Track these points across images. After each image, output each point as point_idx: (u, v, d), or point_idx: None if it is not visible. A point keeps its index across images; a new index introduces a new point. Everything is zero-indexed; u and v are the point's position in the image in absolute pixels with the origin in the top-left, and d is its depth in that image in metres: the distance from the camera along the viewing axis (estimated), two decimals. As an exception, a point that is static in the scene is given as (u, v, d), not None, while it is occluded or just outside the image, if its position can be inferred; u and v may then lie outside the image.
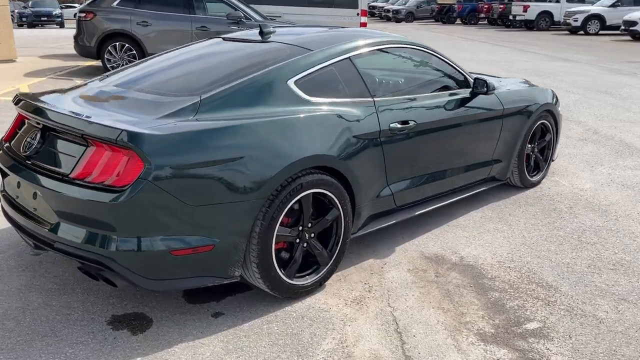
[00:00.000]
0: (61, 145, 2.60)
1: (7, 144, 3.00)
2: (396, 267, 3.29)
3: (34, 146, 2.69)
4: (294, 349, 2.50)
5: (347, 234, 3.07)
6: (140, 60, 3.61)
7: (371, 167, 3.15)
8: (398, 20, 38.50)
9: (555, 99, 4.72)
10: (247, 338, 2.57)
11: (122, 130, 2.35)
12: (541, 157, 4.72)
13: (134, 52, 9.86)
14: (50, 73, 10.29)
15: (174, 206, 2.40)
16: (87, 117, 2.54)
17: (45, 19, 28.96)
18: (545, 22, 27.33)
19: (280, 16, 12.15)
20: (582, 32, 24.06)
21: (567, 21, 24.57)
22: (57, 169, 2.55)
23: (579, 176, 5.03)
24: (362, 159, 3.07)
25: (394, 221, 3.42)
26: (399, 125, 3.27)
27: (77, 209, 2.44)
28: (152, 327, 2.63)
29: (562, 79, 10.94)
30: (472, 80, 3.91)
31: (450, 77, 3.90)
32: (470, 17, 35.74)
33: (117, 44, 9.83)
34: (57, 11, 29.46)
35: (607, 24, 23.45)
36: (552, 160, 4.89)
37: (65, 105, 2.79)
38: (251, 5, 10.86)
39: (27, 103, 2.83)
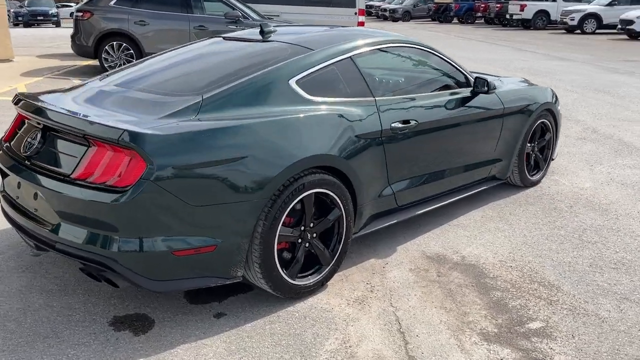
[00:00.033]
0: (62, 145, 2.58)
1: (6, 144, 2.98)
2: (398, 267, 3.28)
3: (34, 146, 2.68)
4: (297, 350, 2.50)
5: (349, 233, 3.07)
6: (140, 60, 3.59)
7: (373, 166, 3.15)
8: (395, 20, 38.49)
9: (554, 98, 4.72)
10: (249, 339, 2.56)
11: (124, 130, 2.33)
12: (541, 156, 4.73)
13: (132, 51, 9.83)
14: (47, 73, 10.26)
15: (176, 206, 2.39)
16: (88, 117, 2.53)
17: (42, 18, 28.86)
18: (542, 21, 27.38)
19: (278, 15, 12.14)
20: (578, 31, 24.12)
21: (564, 20, 24.62)
22: (58, 169, 2.53)
23: (579, 175, 5.03)
24: (364, 159, 3.06)
25: (395, 221, 3.41)
26: (400, 125, 3.26)
27: (78, 209, 2.42)
28: (154, 327, 2.62)
29: (559, 77, 10.96)
30: (473, 80, 3.91)
31: (451, 76, 3.89)
32: (467, 16, 35.76)
33: (115, 43, 9.81)
34: (54, 10, 29.36)
35: (604, 23, 23.50)
36: (552, 159, 4.90)
37: (66, 105, 2.77)
38: (249, 5, 10.84)
39: (28, 103, 2.82)
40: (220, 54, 3.34)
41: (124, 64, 9.80)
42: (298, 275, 2.86)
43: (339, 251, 3.02)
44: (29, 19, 28.58)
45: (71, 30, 10.28)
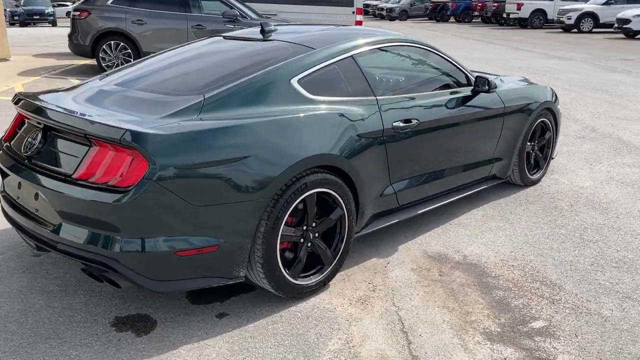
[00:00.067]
0: (63, 145, 2.57)
1: (6, 144, 2.96)
2: (399, 266, 3.28)
3: (35, 146, 2.66)
4: (300, 350, 2.49)
5: (351, 233, 3.06)
6: (140, 59, 3.58)
7: (374, 166, 3.14)
8: (392, 19, 38.50)
9: (554, 97, 4.73)
10: (252, 339, 2.55)
11: (126, 130, 2.32)
12: (541, 155, 4.73)
13: (129, 50, 9.80)
14: (44, 72, 10.22)
15: (179, 206, 2.38)
16: (89, 116, 2.51)
17: (38, 17, 28.76)
18: (538, 20, 27.42)
19: (275, 14, 12.13)
20: (575, 30, 24.16)
21: (561, 19, 24.66)
22: (59, 169, 2.52)
23: (578, 174, 5.03)
24: (366, 158, 3.06)
25: (396, 220, 3.41)
26: (401, 124, 3.25)
27: (80, 209, 2.41)
28: (157, 328, 2.61)
29: (557, 76, 10.97)
30: (474, 79, 3.90)
31: (451, 75, 3.89)
32: (464, 15, 35.80)
33: (112, 42, 9.77)
34: (50, 9, 29.27)
35: (601, 21, 23.55)
36: (552, 158, 4.90)
37: (67, 104, 2.75)
38: (247, 4, 10.82)
39: (28, 102, 2.80)
40: (221, 53, 3.33)
41: (122, 63, 9.77)
42: (300, 275, 2.85)
43: (341, 251, 3.02)
44: (25, 18, 28.48)
45: (68, 30, 10.24)
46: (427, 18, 39.48)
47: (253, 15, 10.27)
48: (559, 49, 17.05)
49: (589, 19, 23.79)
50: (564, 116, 7.23)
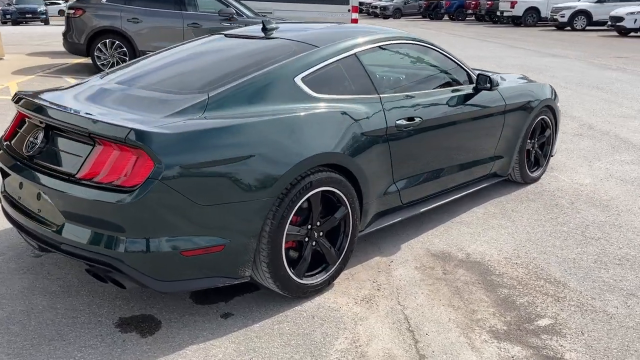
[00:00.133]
0: (66, 144, 2.54)
1: (7, 143, 2.93)
2: (403, 265, 3.27)
3: (37, 146, 2.63)
4: (306, 350, 2.47)
5: (355, 231, 3.04)
6: (140, 58, 3.54)
7: (378, 164, 3.12)
8: (385, 17, 38.52)
9: (554, 95, 4.73)
10: (258, 339, 2.54)
11: (131, 129, 2.29)
12: (541, 153, 4.73)
13: (125, 49, 9.73)
14: (39, 71, 10.14)
15: (184, 206, 2.36)
16: (93, 115, 2.49)
17: (30, 16, 28.58)
18: (532, 18, 27.50)
19: (271, 12, 12.10)
20: (569, 27, 24.25)
21: (554, 17, 24.75)
22: (62, 169, 2.49)
23: (578, 171, 5.04)
24: (370, 156, 3.04)
25: (399, 218, 3.40)
26: (405, 122, 3.24)
27: (84, 209, 2.38)
28: (162, 329, 2.58)
29: (552, 74, 11.00)
30: (475, 76, 3.90)
31: (453, 73, 3.88)
32: (457, 13, 35.87)
33: (107, 41, 9.70)
34: (42, 8, 29.08)
35: (594, 19, 23.65)
36: (552, 156, 4.90)
37: (69, 103, 2.72)
38: (242, 2, 10.77)
39: (29, 101, 2.76)
40: (223, 52, 3.30)
41: (117, 61, 9.71)
42: (305, 274, 2.83)
43: (345, 249, 3.00)
44: (18, 17, 28.30)
45: (61, 28, 10.16)
46: (420, 16, 39.54)
47: (249, 14, 10.23)
48: (553, 46, 17.10)
49: (582, 17, 23.88)
50: (561, 114, 7.23)
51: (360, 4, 42.27)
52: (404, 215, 3.43)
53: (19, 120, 2.95)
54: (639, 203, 4.29)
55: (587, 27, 24.09)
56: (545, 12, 26.75)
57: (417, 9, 39.77)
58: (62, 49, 10.37)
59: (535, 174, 4.68)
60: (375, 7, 40.28)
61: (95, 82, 3.14)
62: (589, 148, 5.82)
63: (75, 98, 2.83)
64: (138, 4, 9.73)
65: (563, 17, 24.06)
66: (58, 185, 2.43)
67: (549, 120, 4.65)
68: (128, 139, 2.28)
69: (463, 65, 3.93)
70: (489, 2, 30.62)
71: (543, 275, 3.17)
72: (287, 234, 2.66)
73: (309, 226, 2.81)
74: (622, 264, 3.31)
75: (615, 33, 21.86)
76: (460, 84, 3.86)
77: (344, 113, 2.95)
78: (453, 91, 3.73)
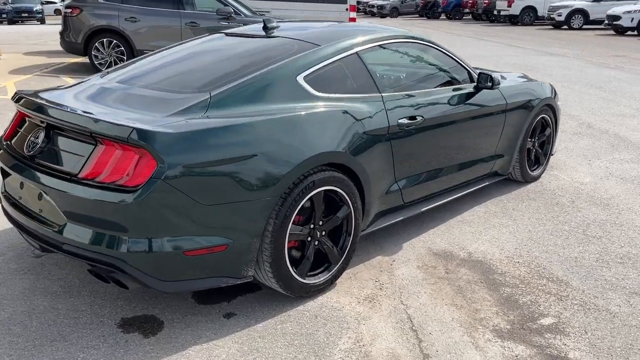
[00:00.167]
0: (68, 144, 2.52)
1: (7, 143, 2.91)
2: (405, 264, 3.26)
3: (38, 145, 2.61)
4: (310, 350, 2.46)
5: (357, 231, 3.03)
6: (140, 57, 3.52)
7: (380, 163, 3.12)
8: (383, 16, 38.51)
9: (554, 93, 4.73)
10: (262, 339, 2.53)
11: (133, 128, 2.28)
12: (541, 151, 4.73)
13: (122, 48, 9.69)
14: (36, 70, 10.10)
15: (187, 206, 2.34)
16: (95, 114, 2.47)
17: (26, 15, 28.48)
18: (529, 17, 27.53)
19: (268, 11, 12.07)
20: (566, 26, 24.28)
21: (551, 16, 24.78)
22: (64, 168, 2.47)
23: (578, 170, 5.04)
24: (372, 155, 3.03)
25: (401, 218, 3.39)
26: (406, 121, 3.23)
27: (86, 209, 2.37)
28: (164, 329, 2.57)
29: (550, 73, 11.01)
30: (476, 75, 3.89)
31: (454, 71, 3.87)
32: (454, 12, 35.88)
33: (105, 40, 9.66)
34: (38, 7, 28.98)
35: (591, 18, 23.68)
36: (552, 155, 4.90)
37: (70, 102, 2.70)
38: (240, 1, 10.75)
39: (29, 101, 2.75)
40: (224, 50, 3.28)
41: (115, 61, 9.67)
42: (308, 274, 2.82)
43: (347, 249, 2.99)
44: (14, 16, 28.19)
45: (58, 27, 10.12)
46: (417, 15, 39.53)
47: (247, 13, 10.20)
48: (551, 45, 17.12)
49: (579, 16, 23.91)
50: (561, 112, 7.24)
51: (357, 2, 42.19)
52: (405, 215, 3.43)
53: (19, 120, 2.93)
54: (639, 201, 4.29)
55: (584, 26, 24.13)
56: (542, 11, 26.78)
57: (414, 7, 39.76)
58: (59, 48, 10.33)
59: (535, 173, 4.68)
60: (372, 6, 40.26)
61: (96, 81, 3.12)
62: (589, 147, 5.82)
63: (77, 97, 2.81)
64: (135, 3, 9.69)
65: (560, 16, 24.08)
66: (60, 185, 2.42)
67: (549, 119, 4.65)
68: (131, 138, 2.26)
69: (464, 64, 3.92)
70: (486, 1, 30.64)
71: (545, 274, 3.17)
72: (289, 233, 2.65)
73: (312, 225, 2.80)
74: (624, 263, 3.31)
75: (612, 32, 21.90)
76: (462, 83, 3.85)
77: (346, 112, 2.94)
78: (454, 90, 3.72)
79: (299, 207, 2.66)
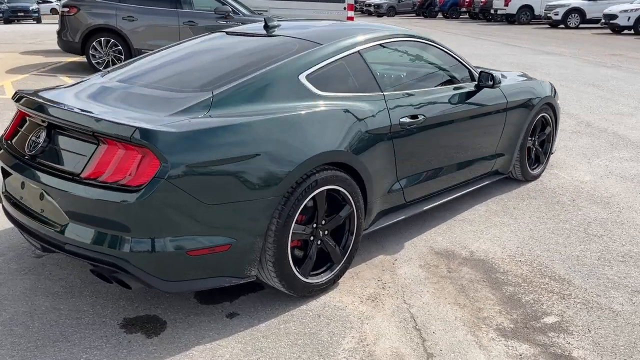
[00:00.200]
0: (69, 143, 2.51)
1: (7, 142, 2.89)
2: (407, 263, 3.25)
3: (39, 145, 2.59)
4: (314, 349, 2.46)
5: (360, 230, 3.03)
6: (141, 56, 3.51)
7: (382, 162, 3.11)
8: (380, 15, 38.48)
9: (554, 92, 4.73)
10: (265, 339, 2.52)
11: (136, 127, 2.26)
12: (541, 150, 4.73)
13: (120, 47, 9.66)
14: (33, 70, 10.06)
15: (191, 205, 2.33)
16: (97, 114, 2.46)
17: (22, 14, 28.34)
18: (526, 16, 27.56)
19: (266, 10, 12.06)
20: (562, 25, 24.32)
21: (548, 15, 24.79)
22: (66, 168, 2.45)
23: (577, 169, 5.05)
24: (374, 154, 3.03)
25: (403, 217, 3.39)
26: (408, 120, 3.23)
27: (88, 209, 2.35)
28: (167, 329, 2.56)
29: (547, 72, 11.02)
30: (477, 74, 3.89)
31: (455, 70, 3.87)
32: (451, 11, 35.90)
33: (102, 39, 9.63)
34: (34, 6, 28.85)
35: (587, 17, 23.71)
36: (551, 153, 4.90)
37: (71, 102, 2.69)
38: (239, 0, 10.72)
39: (30, 100, 2.73)
40: (225, 49, 3.27)
41: (112, 60, 9.64)
42: (311, 273, 2.82)
43: (350, 248, 2.99)
44: (10, 15, 28.07)
45: (54, 26, 10.08)
46: (414, 14, 39.53)
47: (245, 12, 10.18)
48: (547, 44, 17.14)
49: (576, 15, 23.94)
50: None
51: (355, 1, 42.29)
52: (407, 214, 3.42)
53: (20, 119, 2.91)
54: (639, 200, 4.29)
55: (581, 25, 24.17)
56: (539, 10, 26.81)
57: (411, 7, 39.75)
58: (56, 47, 10.29)
59: (535, 172, 4.69)
60: (369, 5, 40.22)
61: (97, 80, 3.10)
62: (588, 145, 5.83)
63: (78, 96, 2.79)
64: (133, 2, 9.66)
65: (557, 14, 24.11)
66: (62, 184, 2.40)
67: (549, 118, 4.66)
68: (133, 137, 2.25)
69: (465, 63, 3.92)
70: (483, 0, 30.66)
71: (547, 273, 3.17)
72: (292, 232, 2.64)
73: (314, 225, 2.79)
74: (626, 261, 3.32)
75: (608, 31, 21.95)
76: (463, 82, 3.85)
77: (349, 111, 2.93)
78: (455, 89, 3.72)
79: (302, 206, 2.65)
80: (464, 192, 3.90)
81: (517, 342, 2.54)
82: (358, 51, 3.20)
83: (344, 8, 12.77)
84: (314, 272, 2.85)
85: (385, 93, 3.20)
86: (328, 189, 2.78)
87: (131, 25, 9.60)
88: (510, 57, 13.47)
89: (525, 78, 4.72)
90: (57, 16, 10.01)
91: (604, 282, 3.08)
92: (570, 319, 2.72)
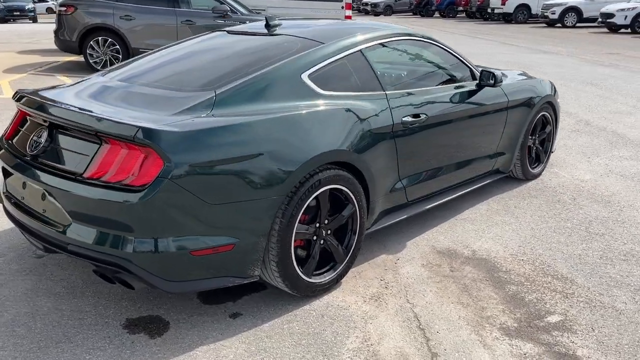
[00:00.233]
0: (72, 143, 2.49)
1: (8, 142, 2.87)
2: (410, 263, 3.25)
3: (41, 145, 2.57)
4: (318, 349, 2.45)
5: (363, 229, 3.02)
6: (142, 55, 3.49)
7: (384, 161, 3.10)
8: (377, 14, 38.47)
9: (554, 91, 4.73)
10: (269, 339, 2.51)
11: (140, 127, 2.25)
12: (541, 149, 4.73)
13: (117, 46, 9.63)
14: (30, 69, 10.02)
15: (194, 205, 2.32)
16: (100, 113, 2.44)
17: (18, 13, 28.25)
18: (523, 15, 27.61)
19: (264, 9, 12.04)
20: (559, 24, 24.36)
21: (545, 14, 24.84)
22: (69, 168, 2.44)
23: (578, 167, 5.05)
24: (376, 154, 3.02)
25: (405, 216, 3.38)
26: (410, 119, 3.22)
27: (91, 209, 2.34)
28: (170, 329, 2.55)
29: (545, 70, 11.04)
30: (478, 73, 3.89)
31: (457, 69, 3.87)
32: (448, 10, 35.92)
33: (100, 38, 9.59)
34: (30, 5, 28.75)
35: (584, 16, 23.77)
36: (552, 152, 4.91)
37: (73, 101, 2.67)
38: (236, -1, 10.71)
39: (31, 99, 2.71)
40: (226, 48, 3.26)
41: (110, 59, 9.61)
42: (314, 273, 2.81)
43: (353, 247, 2.98)
44: (5, 15, 27.97)
45: (50, 26, 10.04)
46: (411, 13, 39.54)
47: (243, 11, 10.16)
48: (544, 43, 17.17)
49: (573, 14, 23.99)
50: (558, 110, 7.27)
51: (352, 0, 42.25)
52: (409, 213, 3.41)
53: (21, 119, 2.89)
54: (640, 198, 4.31)
55: (578, 24, 24.22)
56: (535, 9, 26.86)
57: (407, 6, 39.75)
58: (53, 46, 10.25)
59: (536, 170, 4.69)
60: (366, 4, 40.20)
61: (98, 79, 3.09)
62: (587, 144, 5.83)
63: (80, 96, 2.78)
64: (131, 1, 9.63)
65: (554, 14, 24.15)
66: (64, 184, 2.39)
67: (550, 116, 4.66)
68: (137, 137, 2.23)
69: (466, 62, 3.92)
70: (480, -1, 30.73)
71: (550, 272, 3.17)
72: (296, 232, 2.63)
73: (317, 224, 2.78)
74: (628, 260, 3.32)
75: (605, 30, 22.00)
76: (464, 81, 3.84)
77: (351, 110, 2.92)
78: (457, 88, 3.71)
79: (305, 205, 2.64)
80: (466, 191, 3.90)
81: (521, 341, 2.54)
82: (360, 50, 3.19)
83: (342, 7, 12.76)
84: (317, 272, 2.84)
85: (387, 92, 3.20)
86: (331, 189, 2.77)
87: (129, 25, 9.57)
88: (507, 56, 13.49)
89: (525, 77, 4.72)
90: (53, 15, 9.95)
91: (607, 280, 3.08)
92: (574, 318, 2.72)
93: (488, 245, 3.49)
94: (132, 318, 2.62)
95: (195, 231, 2.36)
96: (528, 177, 4.62)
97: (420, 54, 3.78)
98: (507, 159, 4.31)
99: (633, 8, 20.41)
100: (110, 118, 2.35)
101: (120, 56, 9.59)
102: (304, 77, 2.87)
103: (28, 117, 2.82)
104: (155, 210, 2.26)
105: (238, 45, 3.25)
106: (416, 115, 3.26)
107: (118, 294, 2.81)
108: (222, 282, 2.52)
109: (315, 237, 2.79)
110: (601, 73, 10.77)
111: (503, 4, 27.59)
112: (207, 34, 3.74)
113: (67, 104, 2.58)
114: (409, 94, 3.34)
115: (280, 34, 3.32)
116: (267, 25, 3.47)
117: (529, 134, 4.42)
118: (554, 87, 4.77)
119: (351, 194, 2.88)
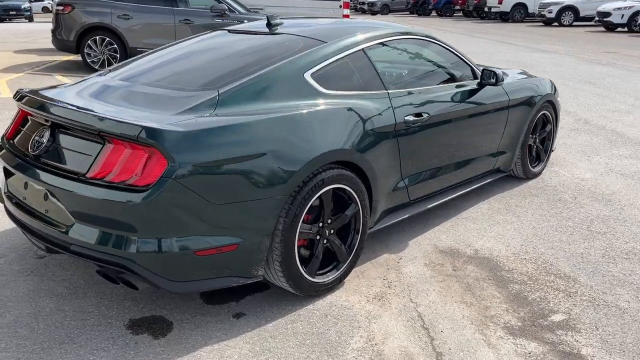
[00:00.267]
0: (74, 143, 2.48)
1: (9, 142, 2.86)
2: (412, 262, 3.25)
3: (43, 144, 2.56)
4: (322, 349, 2.44)
5: (366, 229, 3.02)
6: (143, 54, 3.48)
7: (387, 160, 3.10)
8: (373, 13, 38.44)
9: (554, 90, 4.74)
10: (273, 339, 2.50)
11: (143, 127, 2.24)
12: (542, 148, 4.74)
13: (115, 46, 9.59)
14: (27, 68, 9.97)
15: (198, 205, 2.31)
16: (103, 113, 2.43)
17: (14, 13, 28.09)
18: (520, 14, 27.63)
19: (262, 8, 12.02)
20: (556, 23, 24.38)
21: (542, 13, 24.87)
22: (71, 168, 2.42)
23: (578, 166, 5.06)
24: (379, 153, 3.01)
25: (407, 215, 3.38)
26: (413, 118, 3.22)
27: (94, 209, 2.33)
28: (174, 330, 2.54)
29: (543, 69, 11.05)
30: (480, 72, 3.88)
31: (458, 68, 3.86)
32: (445, 9, 35.92)
33: (98, 37, 9.55)
34: (26, 5, 28.59)
35: (581, 15, 23.79)
36: (552, 151, 4.91)
37: (75, 101, 2.66)
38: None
39: (32, 99, 2.70)
40: (228, 48, 3.25)
41: (108, 59, 9.57)
42: (317, 273, 2.80)
43: (356, 247, 2.97)
44: (1, 14, 27.82)
45: (46, 25, 10.00)
46: (408, 12, 39.53)
47: (241, 10, 10.14)
48: (542, 42, 17.19)
49: (570, 13, 24.02)
50: (557, 109, 7.27)
51: None
52: (411, 212, 3.41)
53: (22, 119, 2.87)
54: (640, 197, 4.31)
55: (575, 23, 24.25)
56: (532, 8, 26.88)
57: (404, 5, 39.72)
58: (50, 46, 10.20)
59: (536, 169, 4.69)
60: (363, 3, 40.15)
61: (99, 78, 3.07)
62: (587, 143, 5.84)
63: (82, 95, 2.76)
64: (128, 0, 9.59)
65: (551, 12, 24.18)
66: (67, 185, 2.37)
67: (550, 115, 4.66)
68: (140, 137, 2.22)
69: (467, 60, 3.91)
70: (477, -2, 30.73)
71: (553, 271, 3.17)
72: (299, 232, 2.63)
73: (321, 224, 2.78)
74: (630, 258, 3.32)
75: (602, 28, 22.03)
76: (465, 80, 3.84)
77: (354, 109, 2.91)
78: (458, 86, 3.71)
79: (309, 205, 2.63)
80: (467, 190, 3.90)
81: (526, 340, 2.54)
82: (362, 49, 3.19)
83: (340, 6, 12.76)
84: (320, 272, 2.83)
85: (389, 91, 3.19)
86: (334, 188, 2.76)
87: (126, 24, 9.54)
88: (506, 55, 13.50)
89: (525, 76, 4.72)
90: (49, 15, 9.92)
91: (609, 279, 3.08)
92: (578, 317, 2.72)
93: (490, 244, 3.49)
94: (136, 318, 2.61)
95: (198, 231, 2.35)
96: (529, 176, 4.62)
97: (421, 53, 3.77)
98: (508, 158, 4.31)
99: (630, 7, 20.46)
100: (114, 117, 2.34)
101: (118, 55, 9.55)
102: (307, 76, 2.86)
103: (29, 117, 2.80)
104: (159, 210, 2.25)
105: (240, 45, 3.24)
106: (418, 115, 3.26)
107: (121, 294, 2.80)
108: (226, 282, 2.52)
109: (318, 237, 2.78)
110: (599, 72, 10.78)
111: (500, 2, 27.62)
112: (208, 33, 3.72)
113: (70, 104, 2.57)
114: (411, 93, 3.33)
115: (282, 33, 3.31)
116: (269, 25, 3.46)
117: (529, 133, 4.42)
118: (554, 86, 4.77)
119: (354, 194, 2.87)
